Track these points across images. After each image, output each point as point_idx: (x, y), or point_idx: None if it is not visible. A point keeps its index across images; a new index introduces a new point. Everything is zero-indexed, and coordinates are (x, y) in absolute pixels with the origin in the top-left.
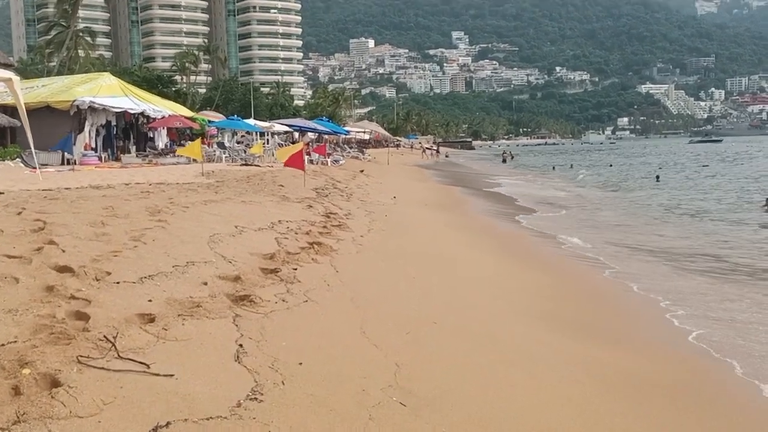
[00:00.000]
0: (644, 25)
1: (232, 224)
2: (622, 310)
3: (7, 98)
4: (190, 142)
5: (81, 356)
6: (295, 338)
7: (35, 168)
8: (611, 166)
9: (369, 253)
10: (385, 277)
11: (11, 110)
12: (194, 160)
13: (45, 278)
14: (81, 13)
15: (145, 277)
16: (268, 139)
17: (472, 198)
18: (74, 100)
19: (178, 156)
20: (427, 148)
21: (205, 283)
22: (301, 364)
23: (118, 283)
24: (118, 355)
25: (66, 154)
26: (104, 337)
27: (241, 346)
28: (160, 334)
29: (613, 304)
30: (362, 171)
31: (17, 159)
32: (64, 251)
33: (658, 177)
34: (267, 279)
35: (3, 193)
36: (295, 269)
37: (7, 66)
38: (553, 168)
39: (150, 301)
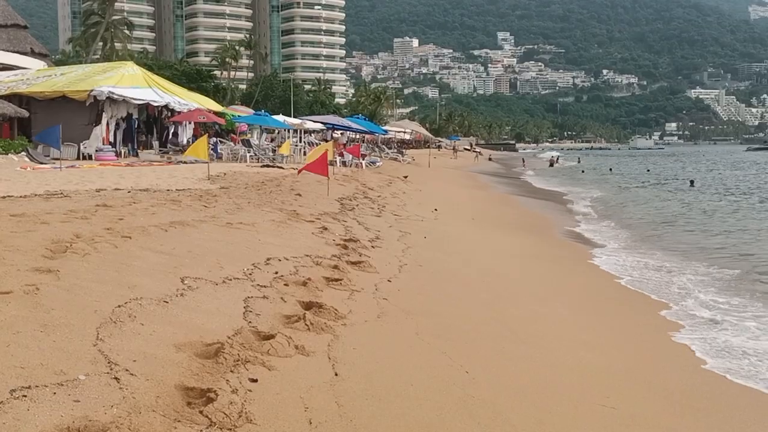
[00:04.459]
0: (695, 29)
1: (180, 272)
2: None
3: (22, 87)
4: (217, 139)
5: None
6: None
7: (41, 164)
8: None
9: (396, 316)
10: (421, 383)
11: (26, 99)
12: (218, 159)
13: None
14: (126, 6)
15: None
16: (300, 137)
17: (546, 211)
18: (91, 90)
19: None
20: (473, 150)
21: None
22: None
23: None
24: None
25: (83, 148)
26: None
27: None
28: None
29: None
30: (406, 177)
31: (22, 152)
32: None
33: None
34: (179, 425)
35: None
36: (254, 381)
37: (42, 56)
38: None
39: None
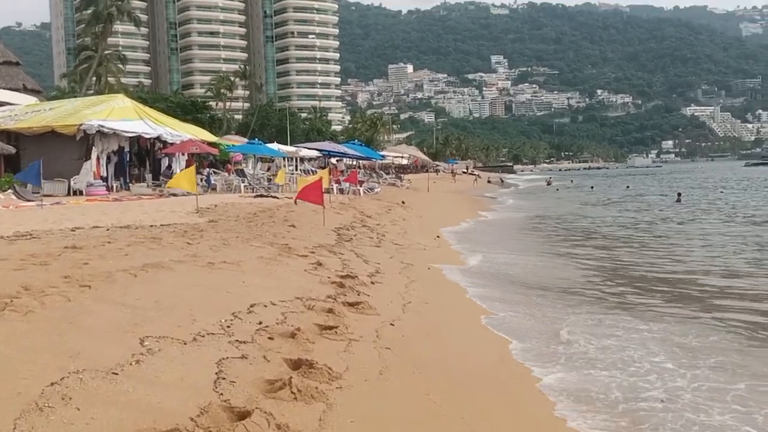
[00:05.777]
0: (688, 47)
1: (141, 330)
2: None
3: (10, 123)
4: (210, 169)
5: None
6: None
7: (28, 201)
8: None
9: (402, 370)
10: None
11: (14, 135)
12: (212, 190)
13: None
14: (120, 40)
15: None
16: (296, 166)
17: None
18: (81, 124)
19: None
20: (470, 173)
21: None
22: None
23: None
24: None
25: (73, 184)
26: None
27: None
28: None
29: None
30: (403, 203)
31: (9, 190)
32: None
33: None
34: None
35: None
36: None
37: (36, 92)
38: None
39: None
